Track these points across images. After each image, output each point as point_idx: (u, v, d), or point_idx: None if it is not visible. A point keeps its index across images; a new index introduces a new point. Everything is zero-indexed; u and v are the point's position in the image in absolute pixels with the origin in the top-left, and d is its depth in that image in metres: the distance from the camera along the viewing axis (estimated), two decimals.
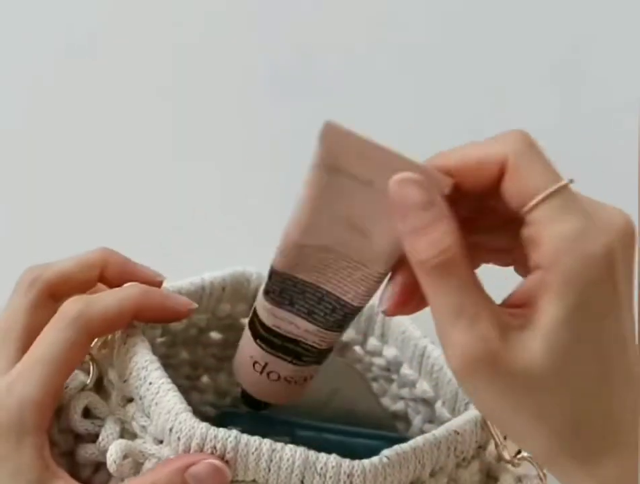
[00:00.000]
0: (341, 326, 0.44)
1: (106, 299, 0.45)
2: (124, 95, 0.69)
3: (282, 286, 0.43)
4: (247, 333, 0.46)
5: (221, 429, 0.42)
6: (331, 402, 0.54)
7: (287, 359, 0.45)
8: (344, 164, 0.39)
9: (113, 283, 0.47)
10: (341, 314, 0.43)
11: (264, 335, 0.45)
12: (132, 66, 0.69)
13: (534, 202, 0.38)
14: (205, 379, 0.57)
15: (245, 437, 0.42)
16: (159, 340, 0.53)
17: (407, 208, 0.38)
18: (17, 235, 0.68)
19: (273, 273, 0.43)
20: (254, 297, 0.54)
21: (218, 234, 0.67)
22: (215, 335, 0.56)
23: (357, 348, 0.57)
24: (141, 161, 0.68)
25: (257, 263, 0.54)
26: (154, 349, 0.46)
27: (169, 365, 0.52)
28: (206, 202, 0.69)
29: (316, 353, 0.45)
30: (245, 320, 0.56)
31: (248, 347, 0.46)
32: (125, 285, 0.46)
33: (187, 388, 0.57)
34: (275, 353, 0.45)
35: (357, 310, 0.44)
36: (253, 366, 0.46)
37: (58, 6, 0.69)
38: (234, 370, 0.48)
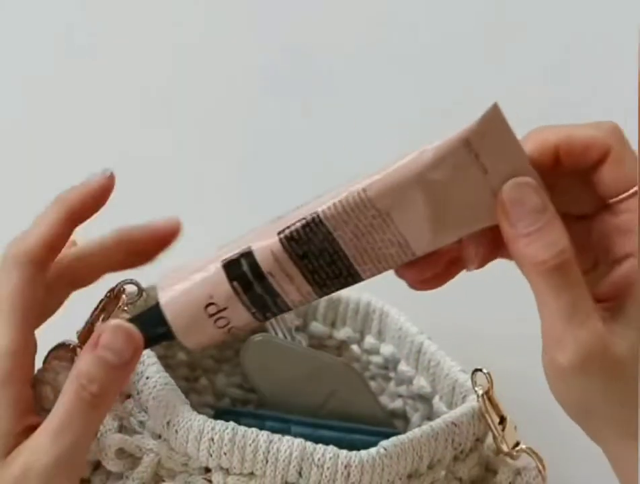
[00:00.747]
0: (327, 293, 0.43)
1: (34, 225, 0.44)
2: (122, 94, 0.69)
3: (309, 238, 0.42)
4: (216, 272, 0.43)
5: (219, 421, 0.42)
6: (328, 404, 0.54)
7: (251, 310, 0.43)
8: (483, 152, 0.40)
9: (83, 218, 0.46)
10: (341, 283, 0.43)
11: (249, 278, 0.42)
12: (131, 65, 0.69)
13: (633, 190, 0.41)
14: (203, 381, 0.57)
15: (242, 429, 0.42)
16: None
17: (524, 211, 0.40)
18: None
19: (312, 222, 0.42)
20: None
21: (218, 232, 0.67)
22: None
23: (354, 347, 0.57)
24: (140, 160, 0.68)
25: None
26: (152, 350, 0.46)
27: (167, 366, 0.52)
28: (206, 200, 0.69)
29: (280, 312, 0.44)
30: None
31: (212, 285, 0.43)
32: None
33: (186, 389, 0.56)
34: (245, 301, 0.43)
35: (354, 283, 0.43)
36: (206, 306, 0.43)
37: (58, 6, 0.69)
38: (167, 296, 0.43)
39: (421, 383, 0.53)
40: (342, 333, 0.56)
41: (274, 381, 0.52)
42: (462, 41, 0.67)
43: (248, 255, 0.42)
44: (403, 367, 0.54)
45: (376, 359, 0.56)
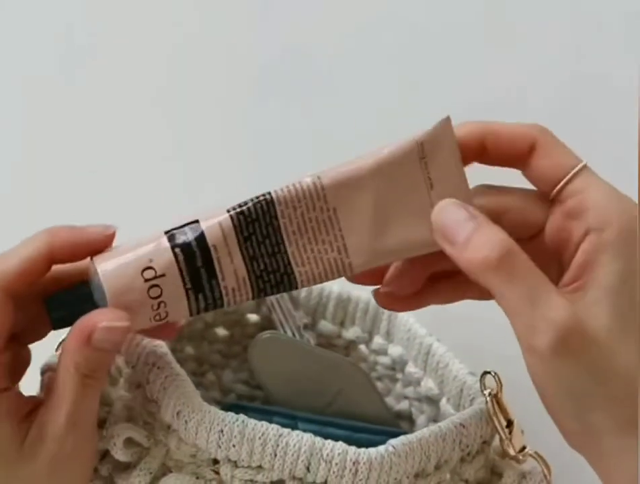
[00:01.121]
0: (259, 291, 0.43)
1: (14, 254, 0.43)
2: (122, 95, 0.69)
3: (257, 217, 0.42)
4: (160, 241, 0.42)
5: (229, 413, 0.42)
6: (334, 403, 0.54)
7: (186, 286, 0.42)
8: (430, 160, 0.42)
9: (66, 260, 0.44)
10: (275, 281, 0.42)
11: (192, 247, 0.42)
12: (130, 65, 0.69)
13: (573, 171, 0.42)
14: (210, 376, 0.57)
15: (252, 422, 0.42)
16: None
17: (455, 227, 0.41)
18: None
19: (263, 200, 0.42)
20: None
21: None
22: (221, 331, 0.57)
23: (362, 347, 0.57)
24: (139, 160, 0.69)
25: None
26: None
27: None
28: (206, 200, 0.69)
29: (212, 300, 0.42)
30: (252, 316, 0.57)
31: (153, 251, 0.42)
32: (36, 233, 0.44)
33: (193, 384, 0.57)
34: (183, 270, 0.41)
35: (288, 287, 0.43)
36: (143, 270, 0.41)
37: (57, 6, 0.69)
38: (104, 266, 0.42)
39: (429, 385, 0.53)
40: (351, 332, 0.57)
41: (281, 378, 0.52)
42: (463, 40, 0.67)
43: (194, 225, 0.42)
44: (410, 368, 0.54)
45: (383, 360, 0.56)
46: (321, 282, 0.43)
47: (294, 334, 0.55)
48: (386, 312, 0.55)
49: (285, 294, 0.54)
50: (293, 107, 0.68)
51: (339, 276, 0.43)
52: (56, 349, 0.46)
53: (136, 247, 0.42)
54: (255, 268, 0.42)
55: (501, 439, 0.47)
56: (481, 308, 0.62)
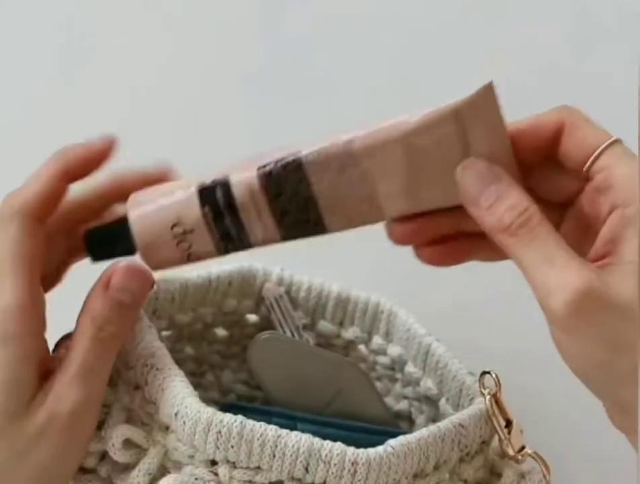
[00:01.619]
0: (289, 238, 0.44)
1: (32, 180, 0.44)
2: (122, 95, 0.69)
3: (288, 179, 0.42)
4: (190, 196, 0.44)
5: (227, 414, 0.42)
6: (333, 403, 0.54)
7: (215, 238, 0.44)
8: (469, 126, 0.42)
9: (80, 176, 0.46)
10: (306, 230, 0.43)
11: (220, 207, 0.43)
12: (130, 65, 0.69)
13: (601, 148, 0.42)
14: (209, 376, 0.57)
15: (250, 422, 0.42)
16: (165, 334, 0.53)
17: (480, 188, 0.41)
18: None
19: (293, 163, 0.42)
20: (260, 293, 0.55)
21: None
22: (220, 332, 0.57)
23: (361, 347, 0.57)
24: (139, 160, 0.68)
25: (263, 260, 0.54)
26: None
27: (174, 360, 0.52)
28: None
29: (240, 248, 0.44)
30: (252, 317, 0.56)
31: (183, 207, 0.44)
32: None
33: (192, 384, 0.56)
34: (212, 227, 0.43)
35: (319, 233, 0.44)
36: (173, 226, 0.44)
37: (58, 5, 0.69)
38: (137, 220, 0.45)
39: (428, 385, 0.53)
40: (350, 332, 0.56)
41: (281, 379, 0.52)
42: (462, 40, 0.67)
43: (224, 184, 0.43)
44: (410, 368, 0.54)
45: (383, 359, 0.56)
46: (352, 228, 0.44)
47: (293, 334, 0.55)
48: (385, 312, 0.55)
49: (284, 295, 0.54)
50: (293, 107, 0.68)
51: (370, 223, 0.44)
52: (53, 351, 0.46)
53: (167, 199, 0.44)
54: (287, 220, 0.43)
55: (500, 439, 0.47)
56: (481, 308, 0.62)
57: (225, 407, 0.54)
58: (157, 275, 0.47)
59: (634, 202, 0.41)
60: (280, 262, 0.55)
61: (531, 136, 0.44)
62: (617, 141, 0.42)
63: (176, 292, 0.51)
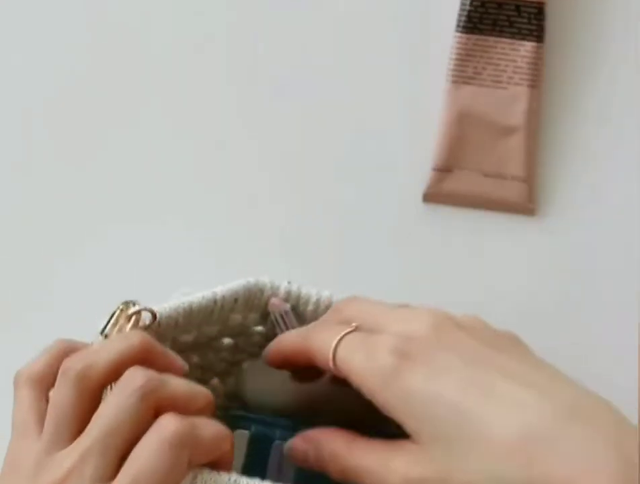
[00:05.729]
0: None
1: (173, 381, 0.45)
2: (122, 94, 0.68)
3: None
4: None
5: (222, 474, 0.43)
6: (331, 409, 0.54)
7: None
8: None
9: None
10: None
11: None
12: (130, 65, 0.68)
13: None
14: (215, 383, 0.57)
15: (244, 480, 0.42)
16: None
17: None
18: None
19: None
20: (266, 306, 0.54)
21: (226, 243, 0.67)
22: (226, 340, 0.56)
23: None
24: (152, 171, 0.68)
25: (270, 273, 0.54)
26: None
27: None
28: (210, 203, 0.68)
29: None
30: (257, 329, 0.56)
31: None
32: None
33: None
34: None
35: None
36: None
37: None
38: None
39: None
40: None
41: (276, 396, 0.53)
42: None
43: None
44: None
45: None
46: None
47: None
48: None
49: (289, 311, 0.54)
50: (293, 107, 0.67)
51: None
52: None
53: None
54: None
55: None
56: (480, 308, 0.62)
57: (232, 418, 0.54)
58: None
59: None
60: (288, 275, 0.55)
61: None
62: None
63: (180, 317, 0.50)
